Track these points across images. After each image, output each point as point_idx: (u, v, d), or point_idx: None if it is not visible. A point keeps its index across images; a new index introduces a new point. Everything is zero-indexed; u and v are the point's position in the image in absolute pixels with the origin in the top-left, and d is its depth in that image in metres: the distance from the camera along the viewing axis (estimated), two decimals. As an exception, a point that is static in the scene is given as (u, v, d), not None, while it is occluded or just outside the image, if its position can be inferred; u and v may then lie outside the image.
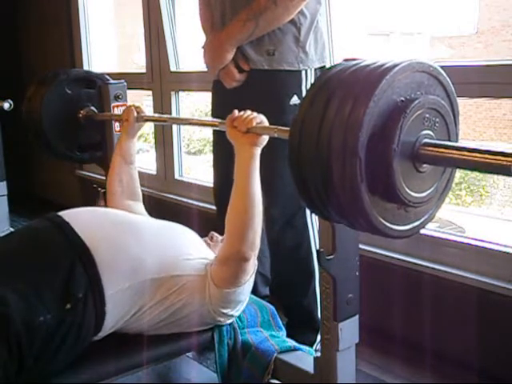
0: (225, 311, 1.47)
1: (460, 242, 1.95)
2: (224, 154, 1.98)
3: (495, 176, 6.08)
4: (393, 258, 2.05)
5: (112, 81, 2.15)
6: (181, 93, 3.10)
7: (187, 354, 1.82)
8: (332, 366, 1.33)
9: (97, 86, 2.16)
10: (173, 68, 3.06)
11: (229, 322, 1.52)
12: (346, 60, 1.10)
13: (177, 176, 3.16)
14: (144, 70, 3.26)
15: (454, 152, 1.00)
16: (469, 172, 6.14)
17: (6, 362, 1.20)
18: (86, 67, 3.72)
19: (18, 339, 1.21)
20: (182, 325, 1.45)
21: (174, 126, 3.08)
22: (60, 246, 1.38)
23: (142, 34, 3.21)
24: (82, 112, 2.16)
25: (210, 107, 2.04)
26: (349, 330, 1.32)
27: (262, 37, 1.71)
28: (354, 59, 1.09)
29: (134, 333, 1.44)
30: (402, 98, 0.99)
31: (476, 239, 1.93)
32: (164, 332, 1.45)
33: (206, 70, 1.92)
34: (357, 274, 1.32)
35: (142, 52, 3.24)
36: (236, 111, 1.44)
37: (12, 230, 2.76)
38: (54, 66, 3.90)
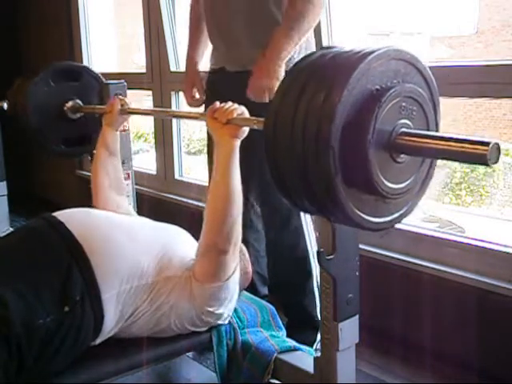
0: (211, 309, 1.45)
1: (460, 241, 1.95)
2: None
3: (495, 176, 6.08)
4: (392, 257, 2.05)
5: (112, 81, 2.15)
6: (181, 93, 3.10)
7: (187, 354, 1.82)
8: (332, 366, 1.33)
9: (81, 78, 2.14)
10: (173, 68, 3.06)
11: (220, 322, 1.51)
12: (322, 48, 1.08)
13: (177, 176, 3.15)
14: (144, 70, 3.26)
15: (431, 141, 0.98)
16: (469, 172, 6.14)
17: (6, 363, 1.20)
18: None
19: (17, 341, 1.21)
20: (172, 328, 1.45)
21: (174, 126, 3.08)
22: (56, 247, 1.38)
23: (142, 34, 3.20)
24: (67, 105, 2.14)
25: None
26: (349, 330, 1.32)
27: (260, 37, 1.70)
28: (331, 47, 1.07)
29: (128, 338, 1.44)
30: (378, 87, 0.97)
31: (476, 239, 1.93)
32: (158, 336, 1.45)
33: (205, 70, 1.93)
34: (357, 274, 1.32)
35: (142, 52, 3.24)
36: (217, 102, 1.41)
37: (12, 230, 2.76)
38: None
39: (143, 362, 1.42)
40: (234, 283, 1.47)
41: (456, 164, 6.20)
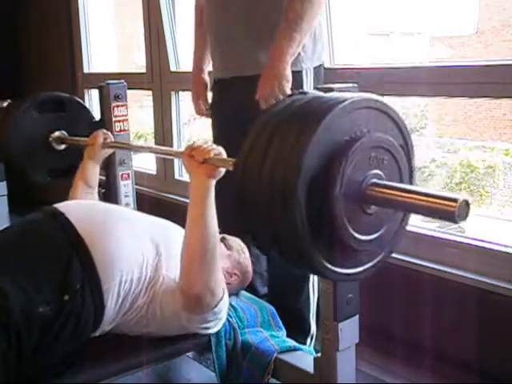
0: (199, 327, 1.45)
1: (460, 241, 1.95)
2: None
3: (495, 176, 6.09)
4: (393, 257, 2.04)
5: (112, 81, 2.15)
6: (181, 93, 3.10)
7: (187, 353, 1.82)
8: (332, 366, 1.33)
9: (67, 109, 2.11)
10: (173, 68, 3.06)
11: (211, 331, 1.49)
12: (290, 95, 1.05)
13: (177, 176, 3.15)
14: (144, 70, 3.26)
15: (400, 194, 0.95)
16: (469, 172, 6.14)
17: (5, 353, 1.20)
18: (85, 67, 3.72)
19: (17, 330, 1.22)
20: (164, 329, 1.44)
21: (174, 126, 3.09)
22: (56, 237, 1.38)
23: (142, 34, 3.20)
24: (52, 136, 2.10)
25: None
26: (349, 330, 1.31)
27: (268, 41, 1.70)
28: (302, 92, 1.04)
29: (126, 335, 1.43)
30: (347, 137, 0.94)
31: (476, 239, 1.93)
32: (154, 335, 1.45)
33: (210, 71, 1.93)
34: (357, 273, 1.32)
35: (142, 52, 3.24)
36: (196, 141, 1.41)
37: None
38: (54, 66, 3.91)
39: (143, 362, 1.42)
40: (223, 305, 1.44)
41: (456, 164, 6.20)
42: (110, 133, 1.92)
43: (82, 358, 1.35)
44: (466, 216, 0.89)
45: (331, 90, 1.12)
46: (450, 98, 5.02)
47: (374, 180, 0.97)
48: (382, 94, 2.35)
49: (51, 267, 1.32)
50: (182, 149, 1.44)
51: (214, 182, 1.37)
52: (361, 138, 0.95)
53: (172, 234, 1.55)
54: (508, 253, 1.83)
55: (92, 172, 1.84)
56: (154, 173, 3.30)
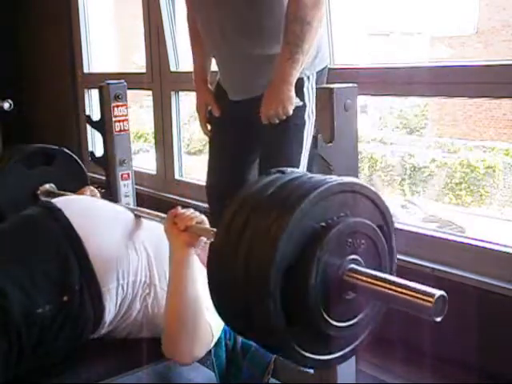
0: None
1: (460, 241, 1.95)
2: (218, 150, 2.00)
3: (495, 176, 6.09)
4: (393, 257, 2.04)
5: (112, 81, 2.15)
6: (181, 93, 3.10)
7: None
8: (332, 366, 1.33)
9: (54, 162, 2.09)
10: (173, 68, 3.06)
11: None
12: (268, 173, 1.01)
13: (177, 176, 3.15)
14: (144, 70, 3.26)
15: (379, 284, 0.93)
16: (469, 172, 6.14)
17: (5, 353, 1.21)
18: (86, 67, 3.72)
19: (17, 330, 1.22)
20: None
21: (174, 126, 3.09)
22: (53, 235, 1.38)
23: (142, 34, 3.21)
24: (41, 189, 2.06)
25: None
26: (349, 330, 1.31)
27: (274, 53, 1.71)
28: (280, 171, 1.01)
29: (123, 337, 1.44)
30: (323, 224, 0.92)
31: (476, 239, 1.93)
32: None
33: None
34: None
35: (142, 52, 3.25)
36: (179, 207, 1.40)
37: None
38: (54, 66, 3.92)
39: (143, 362, 1.42)
40: (216, 337, 1.43)
41: (456, 164, 6.20)
42: (96, 190, 1.90)
43: (82, 357, 1.35)
44: (443, 310, 0.89)
45: (331, 89, 1.12)
46: (450, 98, 5.02)
47: (352, 265, 0.94)
48: (382, 94, 2.37)
49: (50, 267, 1.32)
50: (165, 215, 1.42)
51: (193, 251, 1.36)
52: (337, 224, 0.92)
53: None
54: (508, 253, 1.83)
55: None
56: (154, 173, 3.30)
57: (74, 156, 2.16)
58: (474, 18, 7.18)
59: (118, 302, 1.38)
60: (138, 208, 1.69)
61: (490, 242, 1.89)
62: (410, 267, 1.99)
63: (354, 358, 1.35)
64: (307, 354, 0.95)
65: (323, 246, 0.90)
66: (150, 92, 3.24)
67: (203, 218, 1.38)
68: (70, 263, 1.32)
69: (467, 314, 1.85)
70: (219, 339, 1.52)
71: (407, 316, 1.99)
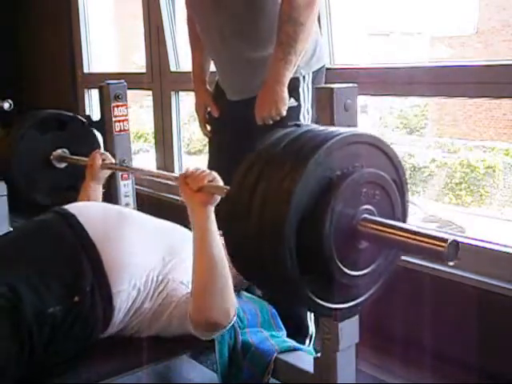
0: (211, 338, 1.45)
1: (460, 242, 1.95)
2: (217, 151, 2.01)
3: (495, 176, 6.09)
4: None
5: (112, 81, 2.15)
6: (181, 93, 3.10)
7: (187, 353, 1.82)
8: (332, 366, 1.33)
9: (67, 127, 2.11)
10: (173, 68, 3.06)
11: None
12: (292, 125, 1.03)
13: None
14: (144, 70, 3.26)
15: (393, 232, 0.94)
16: (469, 172, 6.14)
17: (17, 352, 1.23)
18: (85, 67, 3.72)
19: (29, 329, 1.24)
20: (171, 328, 1.45)
21: (174, 126, 3.09)
22: (67, 239, 1.40)
23: (142, 34, 3.21)
24: (54, 154, 2.10)
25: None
26: (349, 330, 1.31)
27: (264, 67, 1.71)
28: (296, 125, 1.03)
29: (130, 335, 1.45)
30: (338, 173, 0.93)
31: (476, 239, 1.93)
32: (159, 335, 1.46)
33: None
34: (357, 274, 1.32)
35: (142, 52, 3.25)
36: (189, 168, 1.41)
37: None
38: (54, 66, 3.91)
39: (143, 362, 1.42)
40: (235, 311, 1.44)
41: (456, 164, 6.20)
42: (108, 154, 1.91)
43: (83, 357, 1.36)
44: (456, 256, 0.89)
45: (331, 89, 1.12)
46: (449, 98, 5.02)
47: (365, 215, 0.96)
48: (382, 94, 2.37)
49: (62, 269, 1.34)
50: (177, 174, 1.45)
51: (211, 208, 1.36)
52: (352, 173, 0.94)
53: (181, 243, 1.55)
54: (508, 253, 1.83)
55: (94, 192, 1.84)
56: (154, 173, 3.30)
57: (86, 122, 2.17)
58: (474, 18, 7.18)
59: (129, 303, 1.39)
60: (152, 170, 1.68)
61: (489, 242, 1.89)
62: (410, 267, 1.99)
63: (353, 358, 1.36)
64: (321, 302, 0.96)
65: (338, 196, 0.91)
66: (150, 92, 3.24)
67: (214, 175, 1.38)
68: (82, 266, 1.34)
69: (467, 313, 1.86)
70: (223, 337, 1.52)
71: (407, 316, 1.99)
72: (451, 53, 7.20)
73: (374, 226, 0.95)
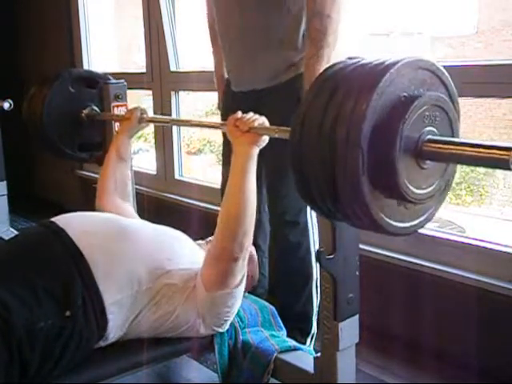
0: (215, 318, 1.46)
1: (460, 241, 1.95)
2: (227, 145, 2.00)
3: (495, 175, 6.08)
4: (393, 257, 2.05)
5: (112, 80, 2.15)
6: (181, 93, 3.10)
7: (187, 354, 1.82)
8: (332, 366, 1.33)
9: (98, 86, 2.15)
10: (173, 68, 3.06)
11: (220, 330, 1.51)
12: (349, 58, 1.10)
13: (177, 176, 3.16)
14: (144, 70, 3.26)
15: (458, 148, 1.00)
16: (469, 171, 6.14)
17: (7, 366, 1.21)
18: (86, 67, 3.72)
19: (18, 344, 1.22)
20: (176, 332, 1.46)
21: (174, 126, 3.08)
22: (58, 254, 1.38)
23: (142, 34, 3.21)
24: (84, 111, 2.15)
25: (209, 107, 2.05)
26: (349, 330, 1.32)
27: (288, 52, 1.72)
28: (357, 57, 1.09)
29: (130, 338, 1.44)
30: (405, 94, 0.99)
31: (476, 239, 1.93)
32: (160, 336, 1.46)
33: (205, 69, 1.92)
34: (357, 273, 1.32)
35: (142, 52, 3.25)
36: (239, 112, 1.44)
37: (12, 230, 2.76)
38: (54, 66, 3.91)
39: (143, 362, 1.42)
40: (240, 292, 1.47)
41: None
42: (144, 109, 1.94)
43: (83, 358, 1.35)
44: None
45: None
46: (450, 98, 5.00)
47: (429, 136, 1.01)
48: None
49: (52, 284, 1.32)
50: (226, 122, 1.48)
51: (257, 150, 1.41)
52: (418, 96, 0.99)
53: (173, 245, 1.55)
54: (508, 253, 1.83)
55: (125, 145, 1.85)
56: (154, 173, 3.30)
57: (117, 81, 2.20)
58: (474, 18, 7.17)
59: (125, 313, 1.38)
60: (202, 120, 1.70)
61: (490, 242, 1.89)
62: (410, 267, 1.99)
63: (353, 357, 1.36)
64: (386, 219, 1.02)
65: (411, 111, 0.97)
66: (150, 92, 3.24)
67: (263, 119, 1.41)
68: (73, 280, 1.33)
69: (467, 313, 1.86)
70: (223, 338, 1.52)
71: (407, 316, 1.99)
72: (451, 53, 7.20)
73: (440, 146, 1.01)
